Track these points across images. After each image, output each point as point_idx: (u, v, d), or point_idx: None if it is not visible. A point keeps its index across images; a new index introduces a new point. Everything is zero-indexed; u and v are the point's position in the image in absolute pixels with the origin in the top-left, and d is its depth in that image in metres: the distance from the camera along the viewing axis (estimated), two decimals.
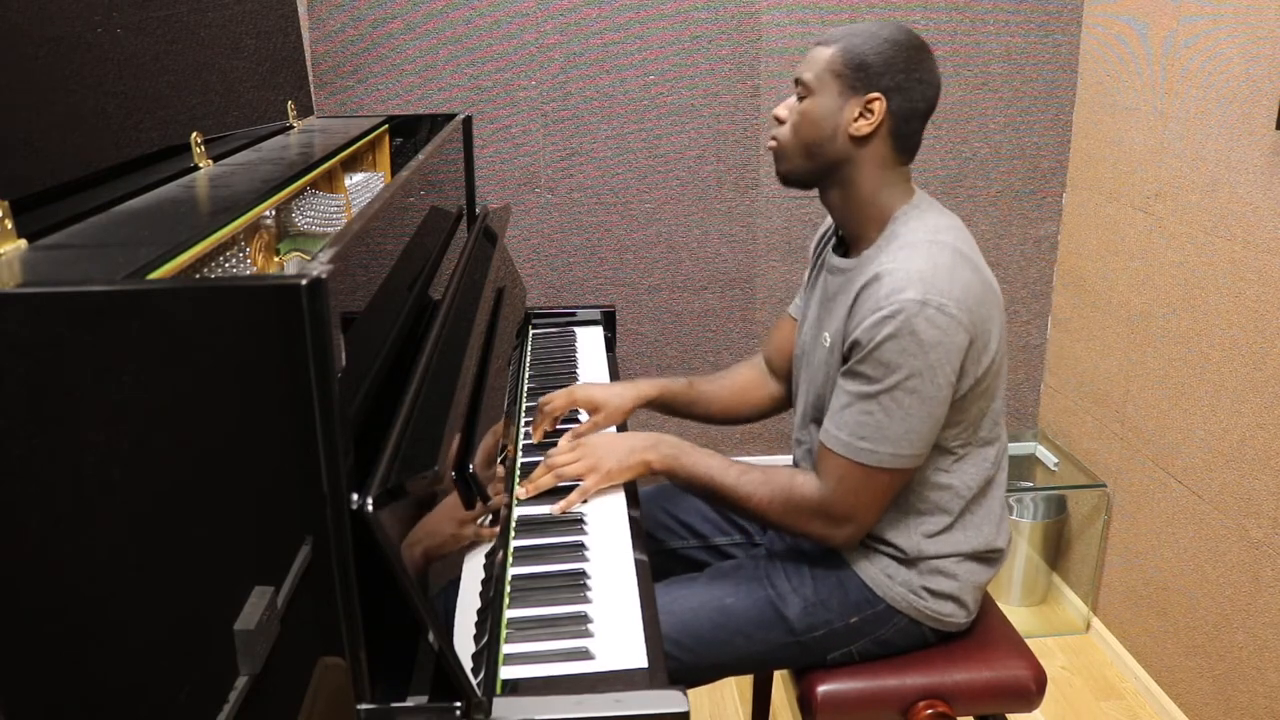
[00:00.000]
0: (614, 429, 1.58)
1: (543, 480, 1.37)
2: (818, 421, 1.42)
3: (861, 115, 1.29)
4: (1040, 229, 2.52)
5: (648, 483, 1.51)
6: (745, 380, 1.68)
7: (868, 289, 1.25)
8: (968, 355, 1.24)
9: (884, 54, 1.27)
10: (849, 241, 1.40)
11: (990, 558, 1.39)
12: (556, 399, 1.57)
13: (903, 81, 1.28)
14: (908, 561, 1.36)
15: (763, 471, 1.35)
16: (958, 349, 1.22)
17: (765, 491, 1.32)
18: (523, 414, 1.65)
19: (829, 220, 1.49)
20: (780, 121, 1.36)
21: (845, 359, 1.29)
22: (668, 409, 1.66)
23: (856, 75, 1.28)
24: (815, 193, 1.40)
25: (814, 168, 1.34)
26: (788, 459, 1.59)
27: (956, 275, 1.23)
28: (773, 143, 1.37)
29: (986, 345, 1.26)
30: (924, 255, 1.24)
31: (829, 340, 1.36)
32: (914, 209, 1.32)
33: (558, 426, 1.60)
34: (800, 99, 1.33)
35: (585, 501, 1.36)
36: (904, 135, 1.31)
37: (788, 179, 1.38)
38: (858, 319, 1.25)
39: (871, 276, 1.25)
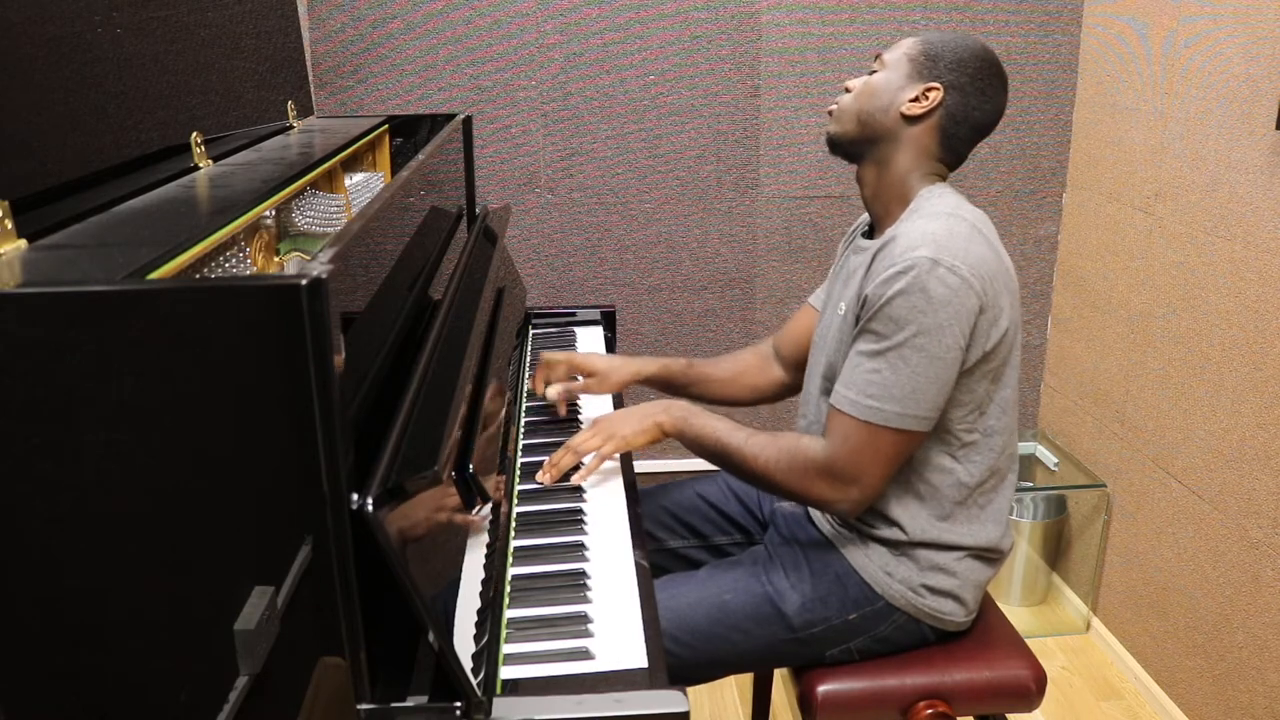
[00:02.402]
0: (611, 399, 1.68)
1: (564, 461, 1.42)
2: (828, 393, 1.42)
3: (917, 99, 1.34)
4: (1040, 229, 2.52)
5: (648, 482, 1.51)
6: (746, 364, 1.72)
7: (883, 250, 1.29)
8: (978, 323, 1.25)
9: (958, 55, 1.34)
10: (875, 222, 1.43)
11: (991, 557, 1.39)
12: (557, 356, 1.63)
13: (965, 84, 1.34)
14: (909, 547, 1.35)
15: (770, 434, 1.36)
16: (968, 312, 1.23)
17: (772, 451, 1.33)
18: (523, 414, 1.65)
19: (863, 217, 1.51)
20: (848, 91, 1.42)
21: (857, 320, 1.31)
22: (666, 387, 1.70)
23: (926, 63, 1.35)
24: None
25: (860, 135, 1.39)
26: None
27: (971, 245, 1.25)
28: (833, 106, 1.43)
29: (997, 320, 1.27)
30: (941, 223, 1.27)
31: (844, 309, 1.39)
32: (938, 189, 1.36)
33: (560, 427, 1.61)
34: (871, 74, 1.40)
35: (585, 500, 1.36)
36: (951, 135, 1.36)
37: (834, 142, 1.43)
38: (872, 277, 1.28)
39: (888, 239, 1.29)
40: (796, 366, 1.66)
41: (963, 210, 1.31)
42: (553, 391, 1.60)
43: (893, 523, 1.35)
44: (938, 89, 1.33)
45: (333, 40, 2.28)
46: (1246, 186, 1.79)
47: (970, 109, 1.34)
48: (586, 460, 1.44)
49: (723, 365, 1.72)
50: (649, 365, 1.66)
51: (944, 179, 1.39)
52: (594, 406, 1.70)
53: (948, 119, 1.34)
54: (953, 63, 1.34)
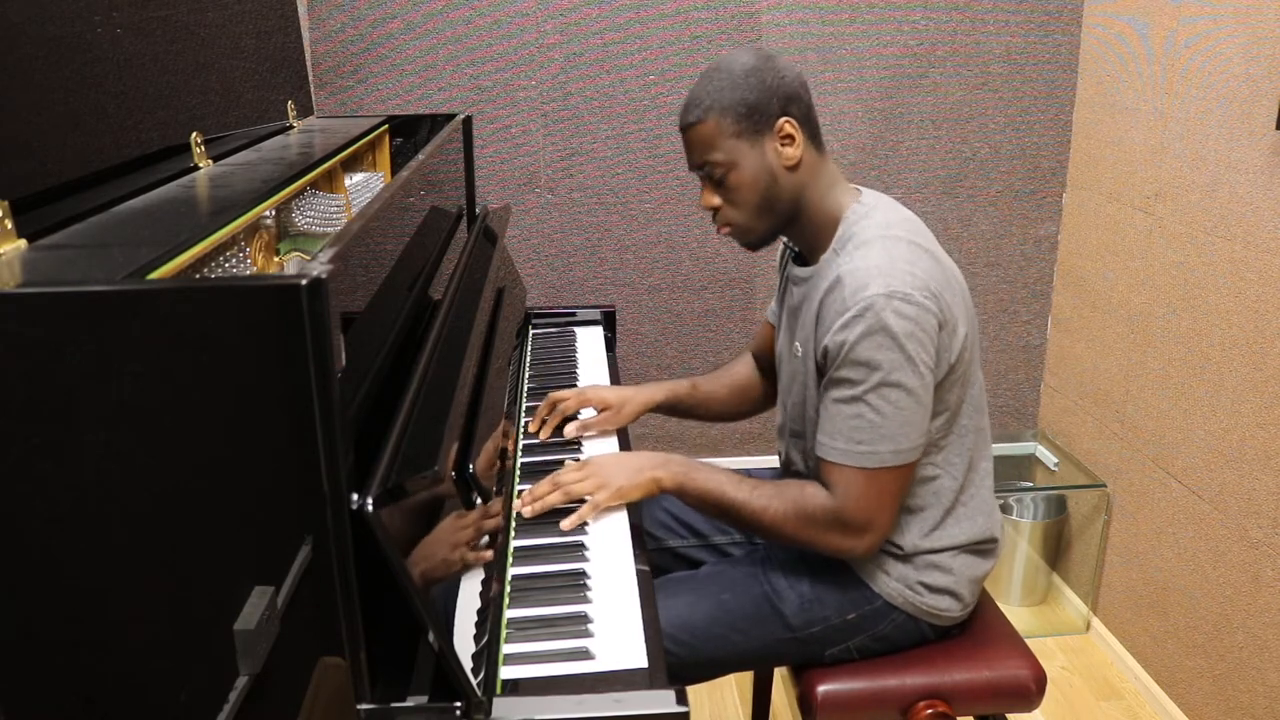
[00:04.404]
0: (617, 442, 1.59)
1: (550, 498, 1.32)
2: (796, 434, 1.43)
3: (780, 147, 1.30)
4: (1040, 229, 2.52)
5: None
6: (743, 380, 1.71)
7: (831, 294, 1.26)
8: (940, 339, 1.24)
9: (754, 85, 1.28)
10: (805, 252, 1.40)
11: (985, 549, 1.40)
12: (568, 398, 1.58)
13: (786, 91, 1.29)
14: (904, 557, 1.36)
15: (774, 485, 1.33)
16: (930, 334, 1.23)
17: (779, 505, 1.30)
18: (523, 414, 1.65)
19: None
20: (716, 208, 1.35)
21: (820, 369, 1.29)
22: (673, 411, 1.68)
23: (754, 120, 1.28)
24: None
25: (777, 220, 1.35)
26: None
27: (915, 264, 1.24)
28: (726, 229, 1.37)
29: (955, 329, 1.27)
30: (879, 250, 1.25)
31: (800, 350, 1.37)
32: (862, 207, 1.33)
33: (559, 430, 1.59)
34: (721, 179, 1.32)
35: (584, 501, 1.36)
36: (812, 129, 1.33)
37: (759, 245, 1.39)
38: (826, 325, 1.26)
39: (833, 281, 1.26)
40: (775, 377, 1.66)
41: (894, 227, 1.29)
42: (571, 430, 1.55)
43: (888, 541, 1.36)
44: (786, 121, 1.29)
45: (333, 40, 2.28)
46: (1246, 186, 1.79)
47: (802, 98, 1.30)
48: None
49: (722, 382, 1.70)
50: (658, 392, 1.64)
51: (837, 171, 1.35)
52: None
53: (806, 124, 1.31)
54: (763, 95, 1.27)
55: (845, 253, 1.29)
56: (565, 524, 1.30)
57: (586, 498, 1.33)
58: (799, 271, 1.40)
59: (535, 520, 1.32)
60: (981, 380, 1.38)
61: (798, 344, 1.38)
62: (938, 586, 1.37)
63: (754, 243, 1.39)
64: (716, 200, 1.34)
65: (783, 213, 1.34)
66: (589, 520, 1.32)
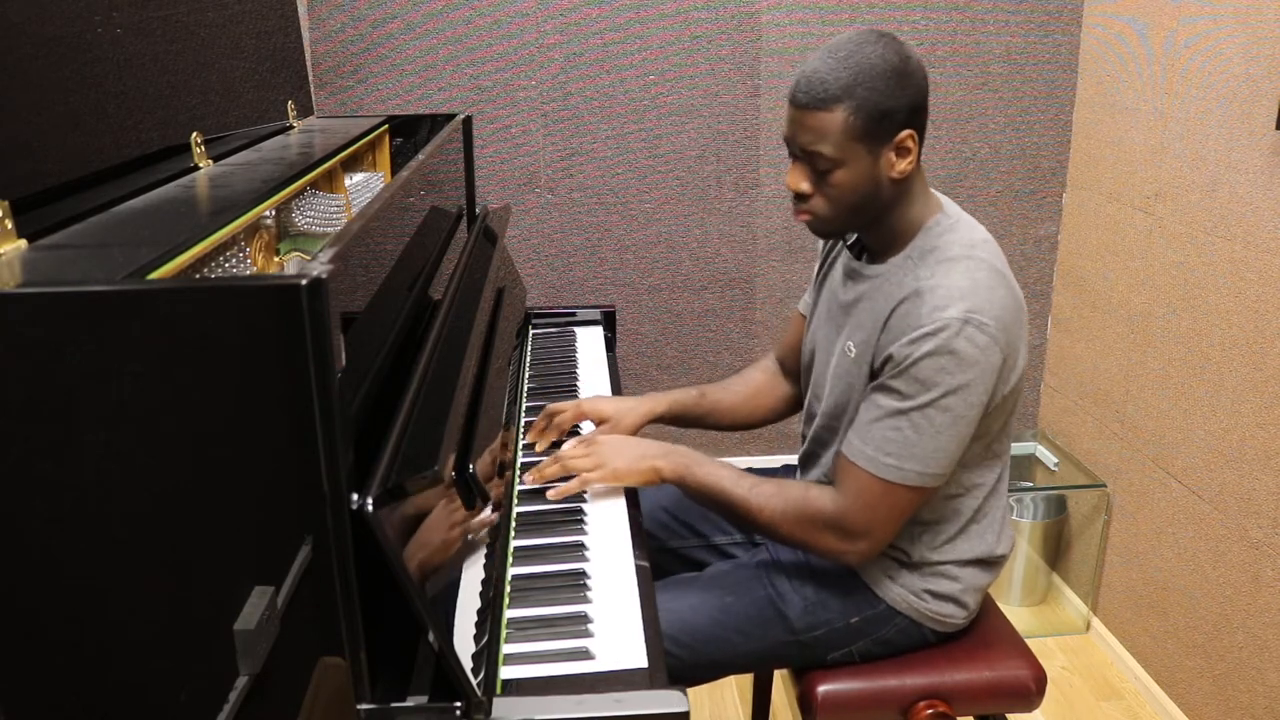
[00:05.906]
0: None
1: (549, 470, 1.37)
2: (830, 430, 1.40)
3: (899, 156, 1.24)
4: (1040, 229, 2.52)
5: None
6: (757, 385, 1.66)
7: (907, 305, 1.22)
8: (1000, 373, 1.22)
9: (894, 91, 1.20)
10: (875, 249, 1.35)
11: (993, 563, 1.40)
12: (565, 410, 1.54)
13: (918, 100, 1.24)
14: (911, 566, 1.36)
15: (776, 484, 1.32)
16: (993, 369, 1.21)
17: (778, 504, 1.30)
18: (523, 414, 1.65)
19: None
20: (806, 195, 1.27)
21: (875, 373, 1.27)
22: (679, 422, 1.62)
23: (882, 126, 1.21)
24: None
25: (863, 221, 1.31)
26: (789, 459, 1.58)
27: (995, 294, 1.21)
28: (806, 217, 1.29)
29: (1015, 365, 1.25)
30: (963, 271, 1.22)
31: (854, 351, 1.33)
32: (947, 219, 1.29)
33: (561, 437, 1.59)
34: (824, 171, 1.24)
35: (585, 501, 1.36)
36: (924, 143, 1.28)
37: (831, 236, 1.35)
38: (895, 334, 1.22)
39: (911, 292, 1.23)
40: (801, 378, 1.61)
41: (977, 248, 1.25)
42: (568, 448, 1.48)
43: (896, 548, 1.36)
44: (909, 134, 1.23)
45: (333, 40, 2.28)
46: (1246, 186, 1.79)
47: (927, 108, 1.25)
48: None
49: (734, 389, 1.64)
50: (660, 403, 1.58)
51: (924, 178, 1.32)
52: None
53: (922, 136, 1.26)
54: (902, 103, 1.21)
55: (926, 265, 1.25)
56: (552, 493, 1.35)
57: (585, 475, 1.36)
58: (863, 268, 1.35)
59: (535, 520, 1.32)
60: (1017, 407, 1.34)
61: (851, 343, 1.33)
62: (943, 593, 1.36)
63: (827, 234, 1.33)
64: (808, 187, 1.26)
65: (872, 216, 1.29)
66: (586, 515, 1.32)
